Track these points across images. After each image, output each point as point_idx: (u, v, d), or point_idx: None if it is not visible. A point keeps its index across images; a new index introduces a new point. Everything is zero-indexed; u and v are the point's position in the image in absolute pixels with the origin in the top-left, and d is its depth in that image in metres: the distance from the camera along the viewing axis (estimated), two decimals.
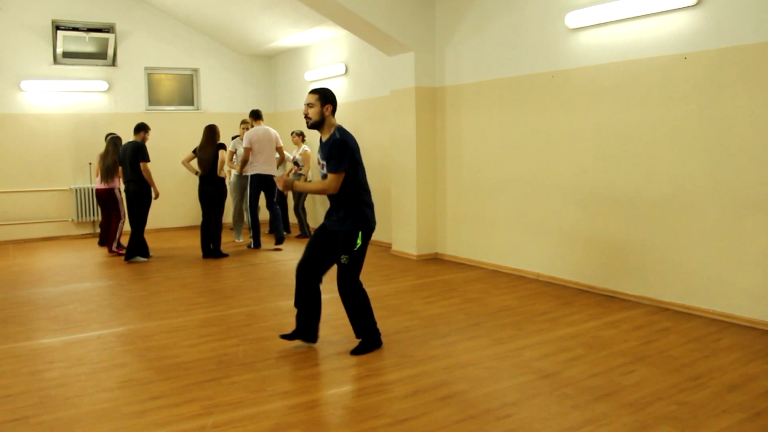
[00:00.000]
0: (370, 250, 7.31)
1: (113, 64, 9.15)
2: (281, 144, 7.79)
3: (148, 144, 7.08)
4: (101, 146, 7.91)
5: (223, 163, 6.96)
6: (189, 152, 7.29)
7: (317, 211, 9.07)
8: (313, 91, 3.66)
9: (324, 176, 3.66)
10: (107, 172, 7.27)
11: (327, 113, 3.64)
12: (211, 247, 7.10)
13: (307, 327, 3.82)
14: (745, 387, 3.16)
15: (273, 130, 7.69)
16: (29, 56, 8.60)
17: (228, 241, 8.08)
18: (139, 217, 6.88)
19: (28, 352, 3.92)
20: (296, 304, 3.80)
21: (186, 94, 9.96)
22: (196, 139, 7.28)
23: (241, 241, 8.08)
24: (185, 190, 9.38)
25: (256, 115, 7.84)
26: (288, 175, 8.29)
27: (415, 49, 6.59)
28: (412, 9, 6.52)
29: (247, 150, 7.37)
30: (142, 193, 6.83)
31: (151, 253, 7.21)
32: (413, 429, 2.77)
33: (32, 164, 8.70)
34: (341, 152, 3.55)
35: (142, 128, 7.00)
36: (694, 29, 4.37)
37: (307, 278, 3.74)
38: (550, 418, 2.86)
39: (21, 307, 5.07)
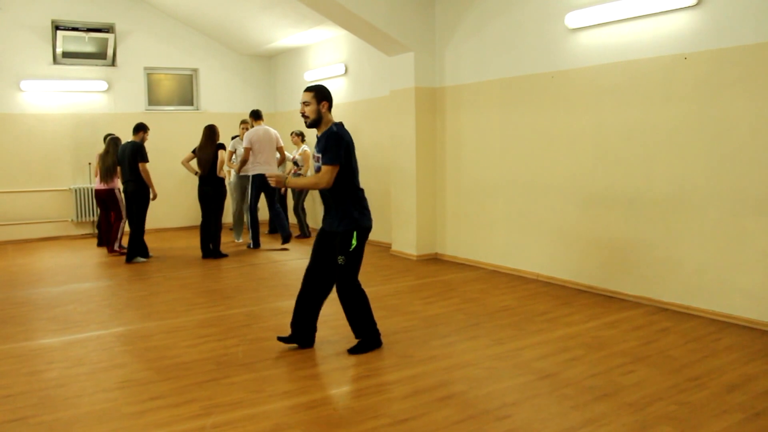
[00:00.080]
0: (369, 251, 7.39)
1: (113, 64, 9.15)
2: (282, 144, 7.79)
3: (147, 144, 7.07)
4: (100, 146, 7.91)
5: (222, 163, 6.96)
6: (188, 152, 7.28)
7: (317, 210, 9.06)
8: (309, 89, 3.65)
9: (318, 170, 3.65)
10: (107, 173, 7.27)
11: (324, 110, 3.64)
12: (211, 248, 7.10)
13: (303, 332, 3.83)
14: (745, 387, 3.16)
15: (273, 130, 7.69)
16: (29, 56, 8.59)
17: (228, 241, 8.08)
18: (138, 218, 6.88)
19: (28, 352, 3.92)
20: (296, 306, 3.80)
21: (185, 94, 9.96)
22: (195, 140, 7.27)
23: (241, 241, 8.08)
24: (185, 190, 9.38)
25: (256, 116, 7.84)
26: (288, 174, 8.30)
27: (414, 49, 6.59)
28: (411, 9, 6.52)
29: (247, 150, 7.37)
30: (140, 193, 6.82)
31: (150, 254, 7.20)
32: (413, 429, 2.77)
33: (32, 164, 8.69)
34: (336, 144, 3.54)
35: (141, 128, 6.99)
36: (694, 29, 4.37)
37: (314, 284, 3.74)
38: (550, 419, 2.86)
39: (20, 307, 5.07)
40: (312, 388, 3.32)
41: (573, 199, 5.35)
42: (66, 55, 8.79)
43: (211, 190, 6.96)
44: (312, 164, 8.35)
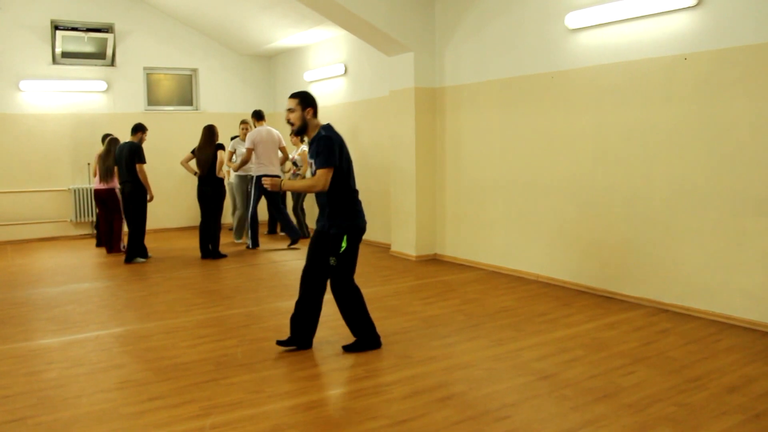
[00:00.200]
0: (368, 251, 7.40)
1: (112, 64, 9.14)
2: (284, 144, 7.80)
3: (145, 144, 7.06)
4: (99, 147, 7.91)
5: (221, 163, 6.95)
6: (188, 153, 7.27)
7: (316, 211, 9.04)
8: (293, 96, 3.68)
9: (314, 174, 3.65)
10: (107, 173, 7.27)
11: (308, 116, 3.64)
12: (210, 248, 7.09)
13: (302, 334, 3.83)
14: (745, 388, 3.15)
15: (275, 131, 7.69)
16: (28, 56, 8.58)
17: (228, 241, 8.07)
18: (137, 219, 6.86)
19: (27, 352, 3.92)
20: (296, 309, 3.81)
21: (185, 94, 9.95)
22: (194, 140, 7.26)
23: (241, 241, 8.06)
24: (184, 190, 9.36)
25: (258, 116, 7.84)
26: (287, 174, 8.30)
27: (414, 49, 6.59)
28: (411, 9, 6.52)
29: (250, 151, 7.36)
30: (137, 194, 6.81)
31: (149, 254, 7.20)
32: (412, 430, 2.77)
33: (31, 164, 8.68)
34: (327, 147, 3.54)
35: (139, 129, 6.97)
36: (695, 30, 4.36)
37: (311, 284, 3.74)
38: (549, 420, 2.85)
39: (19, 307, 5.06)
40: (311, 388, 3.32)
41: (573, 200, 5.35)
42: (65, 55, 8.78)
43: (210, 190, 6.94)
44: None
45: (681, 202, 4.52)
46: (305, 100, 3.64)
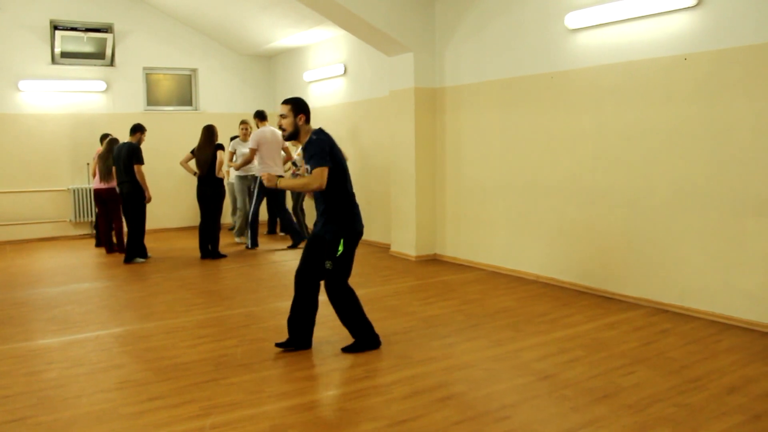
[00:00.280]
0: (368, 251, 7.40)
1: (111, 64, 9.13)
2: (287, 144, 7.80)
3: (145, 145, 7.05)
4: (98, 147, 7.90)
5: (221, 163, 6.94)
6: (187, 153, 7.26)
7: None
8: (286, 102, 3.70)
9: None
10: (108, 172, 7.26)
11: (300, 122, 3.68)
12: (210, 248, 7.08)
13: (301, 335, 3.83)
14: (745, 389, 3.15)
15: (279, 131, 7.67)
16: (27, 56, 8.57)
17: (230, 242, 8.06)
18: (136, 219, 6.85)
19: (27, 352, 3.91)
20: (292, 310, 3.81)
21: (184, 94, 9.94)
22: (194, 140, 7.25)
23: (240, 240, 8.04)
24: (183, 190, 9.35)
25: (261, 116, 7.84)
26: (287, 172, 8.29)
27: (414, 49, 6.58)
28: (411, 9, 6.51)
29: (253, 151, 7.34)
30: (135, 194, 6.80)
31: (149, 254, 7.19)
32: (411, 431, 2.76)
33: (30, 164, 8.67)
34: (318, 149, 3.56)
35: (138, 129, 6.95)
36: (695, 30, 4.36)
37: (305, 286, 3.75)
38: (549, 420, 2.85)
39: (19, 307, 5.05)
40: (311, 389, 3.32)
41: (573, 200, 5.34)
42: (64, 55, 8.77)
43: (209, 190, 6.93)
44: None
45: (681, 202, 4.52)
46: (297, 106, 3.67)
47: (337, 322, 4.16)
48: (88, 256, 7.52)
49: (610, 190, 5.02)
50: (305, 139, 3.68)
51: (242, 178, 8.03)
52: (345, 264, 3.67)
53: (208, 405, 3.04)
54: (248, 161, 7.47)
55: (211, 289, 5.72)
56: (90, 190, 8.76)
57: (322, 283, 3.75)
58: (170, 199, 9.39)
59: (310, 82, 9.20)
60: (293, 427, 2.82)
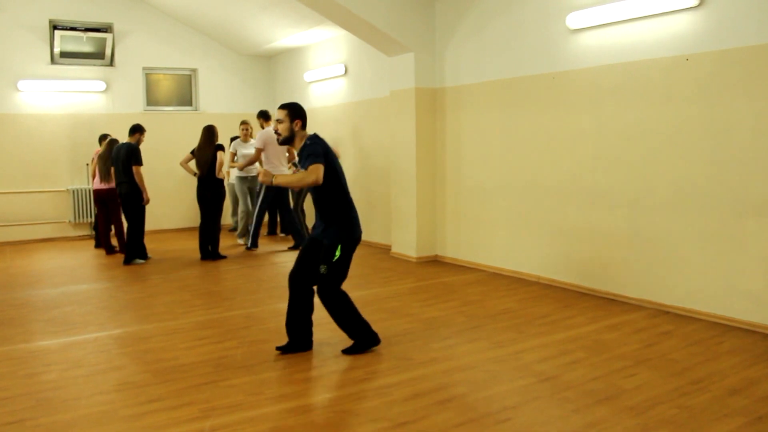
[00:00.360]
0: (369, 252, 7.38)
1: (111, 64, 9.11)
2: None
3: (144, 145, 7.03)
4: (97, 147, 7.89)
5: (221, 164, 6.92)
6: (187, 153, 7.24)
7: None
8: (282, 107, 3.73)
9: None
10: (108, 172, 7.24)
11: (296, 128, 3.69)
12: (210, 249, 7.06)
13: (301, 337, 3.82)
14: (747, 391, 3.14)
15: None
16: (26, 56, 8.55)
17: (232, 243, 8.03)
18: (135, 220, 6.84)
19: (25, 354, 3.90)
20: (289, 313, 3.80)
21: (184, 94, 9.93)
22: (194, 140, 7.23)
23: (242, 241, 8.00)
24: (183, 191, 9.33)
25: (265, 116, 7.82)
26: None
27: (414, 49, 6.57)
28: (412, 9, 6.50)
29: (259, 151, 7.31)
30: (134, 195, 6.77)
31: (149, 255, 7.17)
32: None
33: (29, 165, 8.65)
34: (312, 150, 3.58)
35: (137, 130, 6.93)
36: (696, 30, 4.35)
37: (299, 287, 3.75)
38: (550, 422, 2.84)
39: (18, 309, 5.04)
40: (311, 390, 3.31)
41: (574, 201, 5.33)
42: (64, 55, 8.75)
43: (209, 191, 6.91)
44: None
45: (682, 202, 4.51)
46: (294, 112, 3.69)
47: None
48: (87, 257, 7.50)
49: (611, 190, 5.00)
50: (300, 144, 3.70)
51: (243, 179, 8.01)
52: (341, 270, 3.67)
53: (208, 407, 3.03)
54: (254, 161, 7.44)
55: (211, 290, 5.71)
56: (89, 190, 8.74)
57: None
58: (170, 199, 9.38)
59: (311, 82, 9.19)
60: (293, 429, 2.81)
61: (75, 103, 8.93)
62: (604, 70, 4.99)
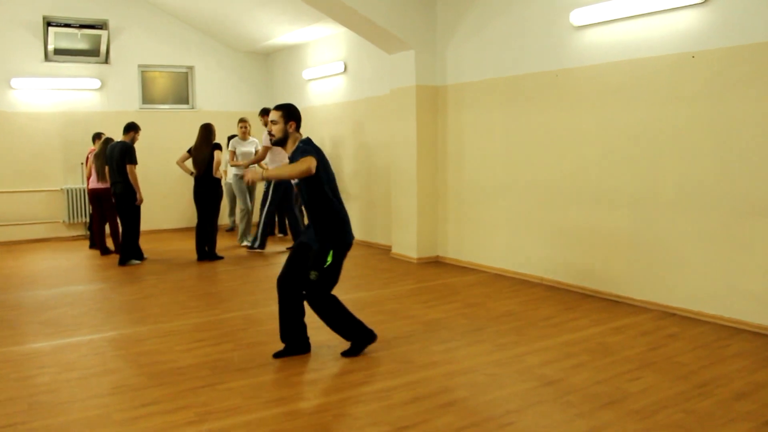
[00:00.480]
0: (369, 253, 7.35)
1: (106, 61, 9.05)
2: None
3: (140, 144, 6.98)
4: (90, 146, 7.82)
5: (218, 163, 6.86)
6: (184, 152, 7.17)
7: None
8: (277, 108, 3.72)
9: (297, 185, 3.71)
10: (105, 171, 7.17)
11: (291, 130, 3.68)
12: (207, 250, 7.01)
13: (296, 341, 3.78)
14: (754, 395, 3.11)
15: None
16: (20, 53, 8.48)
17: (233, 244, 7.98)
18: (130, 220, 6.77)
19: (18, 356, 3.86)
20: (281, 318, 3.76)
21: (181, 92, 9.87)
22: (191, 139, 7.18)
23: (245, 244, 7.85)
24: (180, 191, 9.26)
25: (268, 114, 7.73)
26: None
27: (415, 46, 6.53)
28: (412, 6, 6.46)
29: (266, 148, 7.23)
30: (128, 194, 6.71)
31: (144, 256, 7.12)
32: None
33: (22, 164, 8.58)
34: (304, 149, 3.58)
35: (132, 128, 6.86)
36: (703, 27, 4.31)
37: (288, 292, 3.71)
38: (554, 427, 2.81)
39: (10, 310, 5.00)
40: (309, 394, 3.29)
41: (578, 201, 5.29)
42: (58, 52, 8.69)
43: (207, 190, 6.86)
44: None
45: (688, 203, 4.47)
46: (289, 113, 3.68)
47: None
48: (81, 257, 7.45)
49: (616, 190, 4.97)
50: (292, 147, 3.68)
51: (241, 178, 7.94)
52: (331, 276, 3.63)
53: (204, 411, 3.00)
54: (261, 159, 7.37)
55: (207, 291, 5.67)
56: (83, 190, 8.68)
57: None
58: (166, 199, 9.33)
59: (310, 80, 9.14)
60: None
61: (69, 101, 8.86)
62: (609, 67, 4.95)
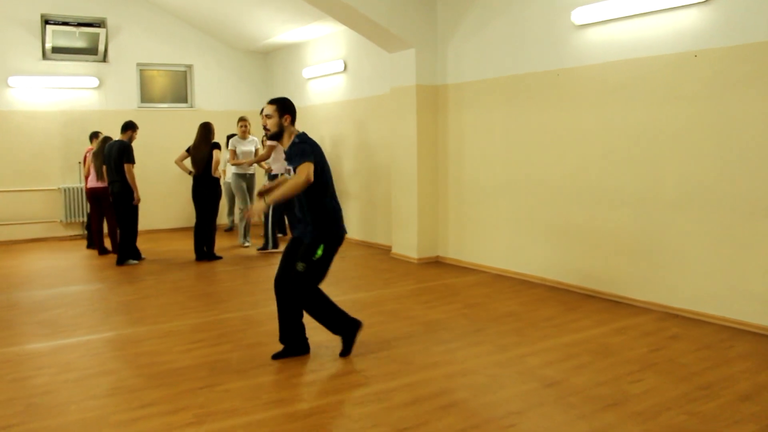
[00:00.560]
0: (369, 253, 7.33)
1: (104, 59, 9.01)
2: None
3: (138, 143, 6.96)
4: (88, 145, 7.79)
5: (218, 163, 6.83)
6: (182, 151, 7.14)
7: None
8: (272, 102, 3.67)
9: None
10: (103, 170, 7.14)
11: (286, 123, 3.63)
12: (205, 250, 6.99)
13: (295, 342, 3.76)
14: (758, 397, 3.09)
15: None
16: (17, 51, 8.45)
17: (227, 244, 7.95)
18: (128, 219, 6.75)
19: (14, 357, 3.85)
20: (280, 319, 3.74)
21: (179, 91, 9.84)
22: (189, 138, 7.15)
23: (248, 245, 7.80)
24: (178, 190, 9.23)
25: None
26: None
27: (416, 45, 6.51)
28: (413, 4, 6.44)
29: (271, 147, 7.20)
30: (126, 194, 6.68)
31: (142, 256, 7.09)
32: None
33: (20, 163, 8.55)
34: (302, 149, 3.53)
35: (129, 127, 6.83)
36: (705, 26, 4.29)
37: (285, 290, 3.68)
38: (555, 428, 2.80)
39: (7, 311, 4.98)
40: (308, 395, 3.27)
41: (579, 201, 5.27)
42: (56, 50, 8.66)
43: (205, 190, 6.84)
44: None
45: (691, 203, 4.45)
46: (283, 107, 3.63)
47: None
48: (79, 257, 7.43)
49: (618, 190, 4.95)
50: (288, 141, 3.64)
51: (241, 176, 7.89)
52: (319, 269, 3.59)
53: (203, 412, 2.98)
54: (266, 158, 7.34)
55: (206, 291, 5.66)
56: (81, 189, 8.64)
57: None
58: (165, 199, 9.30)
59: (309, 78, 9.11)
60: None
61: (67, 100, 8.83)
62: (610, 66, 4.93)
